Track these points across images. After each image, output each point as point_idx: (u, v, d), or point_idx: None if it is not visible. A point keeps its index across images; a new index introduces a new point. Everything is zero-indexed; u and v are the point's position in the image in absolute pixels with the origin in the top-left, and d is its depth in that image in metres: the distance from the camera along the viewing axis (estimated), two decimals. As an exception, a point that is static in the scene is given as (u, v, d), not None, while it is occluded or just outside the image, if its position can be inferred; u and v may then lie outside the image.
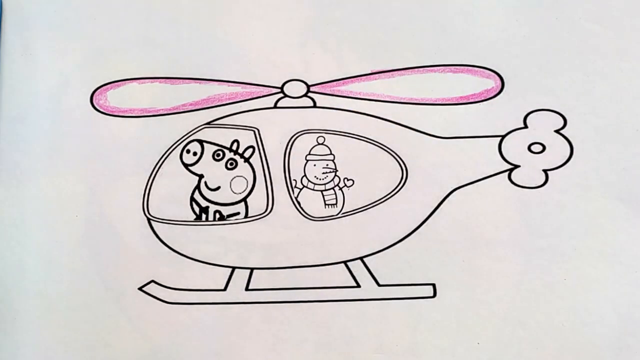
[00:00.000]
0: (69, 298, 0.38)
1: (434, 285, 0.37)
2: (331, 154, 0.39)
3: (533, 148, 0.38)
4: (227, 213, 0.38)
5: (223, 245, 0.38)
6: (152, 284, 0.37)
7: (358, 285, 0.37)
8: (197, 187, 0.38)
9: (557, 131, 0.38)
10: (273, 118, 0.39)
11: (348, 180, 0.38)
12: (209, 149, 0.39)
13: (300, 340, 0.37)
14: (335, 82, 0.39)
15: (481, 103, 0.39)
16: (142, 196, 0.38)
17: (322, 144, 0.39)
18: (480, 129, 0.39)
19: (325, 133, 0.39)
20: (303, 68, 0.39)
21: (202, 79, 0.39)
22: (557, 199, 0.38)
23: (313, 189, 0.38)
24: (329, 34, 0.40)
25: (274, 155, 0.38)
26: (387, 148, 0.38)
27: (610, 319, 0.36)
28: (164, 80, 0.39)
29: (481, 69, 0.39)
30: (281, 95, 0.39)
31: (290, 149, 0.39)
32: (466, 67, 0.39)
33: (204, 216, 0.38)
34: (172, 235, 0.38)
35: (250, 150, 0.38)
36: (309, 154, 0.39)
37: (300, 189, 0.38)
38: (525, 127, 0.38)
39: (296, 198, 0.38)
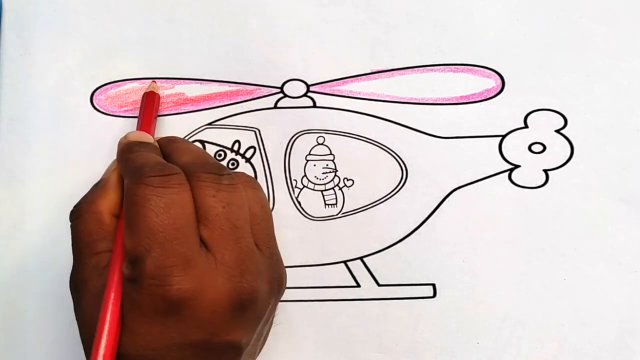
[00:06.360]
0: (70, 298, 0.38)
1: (434, 285, 0.37)
2: (331, 154, 0.38)
3: (533, 148, 0.38)
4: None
5: (223, 245, 0.38)
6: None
7: (358, 285, 0.37)
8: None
9: (557, 131, 0.38)
10: (273, 118, 0.39)
11: (348, 180, 0.38)
12: (211, 150, 0.39)
13: (300, 339, 0.37)
14: (335, 82, 0.39)
15: (481, 103, 0.39)
16: (143, 196, 0.38)
17: (322, 144, 0.39)
18: (480, 129, 0.38)
19: (325, 133, 0.39)
20: (303, 68, 0.39)
21: (202, 79, 0.39)
22: (557, 199, 0.38)
23: (313, 189, 0.38)
24: (329, 33, 0.39)
25: (275, 156, 0.38)
26: (387, 148, 0.38)
27: (610, 318, 0.36)
28: (164, 80, 0.39)
29: (481, 69, 0.39)
30: (281, 95, 0.39)
31: (291, 149, 0.38)
32: (466, 67, 0.39)
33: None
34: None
35: (252, 150, 0.38)
36: (309, 154, 0.39)
37: (301, 189, 0.38)
38: (526, 127, 0.38)
39: (296, 198, 0.38)
